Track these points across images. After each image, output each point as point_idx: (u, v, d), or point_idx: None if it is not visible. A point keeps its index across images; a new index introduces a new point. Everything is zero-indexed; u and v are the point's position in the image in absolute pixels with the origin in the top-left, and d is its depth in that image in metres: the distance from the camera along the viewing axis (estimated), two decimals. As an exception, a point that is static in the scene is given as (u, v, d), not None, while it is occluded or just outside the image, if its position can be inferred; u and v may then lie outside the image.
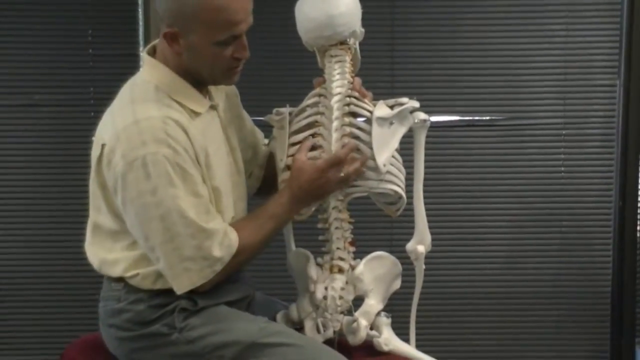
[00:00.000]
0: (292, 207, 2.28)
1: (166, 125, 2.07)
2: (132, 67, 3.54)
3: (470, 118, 3.87)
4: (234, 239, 2.16)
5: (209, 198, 2.16)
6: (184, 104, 2.17)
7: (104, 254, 2.24)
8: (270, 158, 2.48)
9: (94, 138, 2.19)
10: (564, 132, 3.87)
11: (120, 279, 2.22)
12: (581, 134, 3.87)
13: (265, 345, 2.16)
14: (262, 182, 2.53)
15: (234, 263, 2.17)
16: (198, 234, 2.09)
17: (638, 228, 3.89)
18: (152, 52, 2.25)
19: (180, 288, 2.14)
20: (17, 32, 3.83)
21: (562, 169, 3.89)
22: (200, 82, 2.22)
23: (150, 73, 2.21)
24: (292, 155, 2.32)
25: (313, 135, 2.32)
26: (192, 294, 2.18)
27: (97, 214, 2.23)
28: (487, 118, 3.87)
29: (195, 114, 2.19)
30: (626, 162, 3.84)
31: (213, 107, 2.27)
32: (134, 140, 2.05)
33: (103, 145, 2.12)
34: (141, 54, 2.26)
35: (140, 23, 3.78)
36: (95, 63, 3.83)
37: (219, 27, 2.09)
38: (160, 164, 2.04)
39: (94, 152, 2.17)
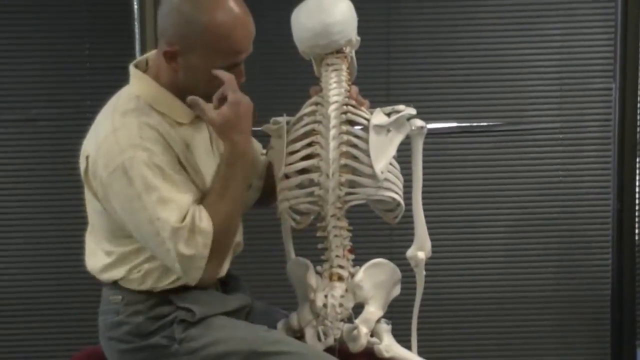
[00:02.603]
0: (238, 158, 2.17)
1: (141, 130, 2.09)
2: (128, 80, 3.54)
3: (468, 124, 3.88)
4: (206, 222, 2.11)
5: (186, 185, 2.15)
6: (166, 113, 2.18)
7: (102, 258, 2.25)
8: (269, 168, 2.48)
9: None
10: (561, 136, 3.88)
11: (120, 287, 2.23)
12: (578, 138, 3.89)
13: (266, 354, 2.15)
14: (262, 192, 2.54)
15: (219, 241, 2.14)
16: (181, 231, 2.07)
17: (636, 231, 3.90)
18: (144, 65, 2.26)
19: (189, 282, 2.16)
20: (14, 47, 3.84)
21: (560, 173, 3.90)
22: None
23: (134, 85, 2.23)
24: (291, 164, 2.33)
25: (311, 144, 2.33)
26: (191, 304, 2.18)
27: (95, 220, 2.25)
28: (485, 124, 3.88)
29: (178, 124, 2.20)
30: (623, 165, 3.85)
31: (200, 118, 2.26)
32: (113, 149, 2.08)
33: (87, 157, 2.15)
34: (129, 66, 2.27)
35: (137, 36, 3.80)
36: (92, 77, 3.85)
37: (221, 54, 2.11)
38: (137, 168, 2.06)
39: (81, 165, 2.20)
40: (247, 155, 2.20)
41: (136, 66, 2.27)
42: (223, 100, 2.13)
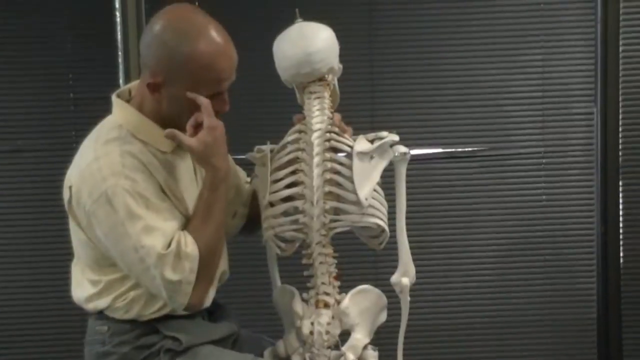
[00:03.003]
0: (218, 182, 2.18)
1: (123, 159, 2.10)
2: (111, 110, 3.55)
3: (451, 150, 3.90)
4: (192, 247, 2.11)
5: (171, 212, 2.15)
6: (148, 142, 2.19)
7: (88, 288, 2.25)
8: (254, 196, 2.48)
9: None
10: (544, 160, 3.90)
11: (106, 317, 2.23)
12: (561, 162, 3.91)
13: None
14: (247, 219, 2.54)
15: (205, 265, 2.14)
16: (158, 262, 2.07)
17: (621, 254, 3.92)
18: (127, 95, 2.27)
19: (176, 308, 2.15)
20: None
21: (544, 197, 3.92)
22: (173, 127, 2.21)
23: (117, 114, 2.23)
24: (275, 192, 2.34)
25: (295, 172, 2.33)
26: (177, 333, 2.18)
27: (78, 251, 2.25)
28: (468, 149, 3.90)
29: (161, 152, 2.20)
30: (607, 188, 3.87)
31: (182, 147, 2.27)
32: (96, 177, 2.08)
33: (70, 187, 2.15)
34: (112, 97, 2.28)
35: (121, 66, 3.81)
36: (77, 107, 3.85)
37: (204, 83, 2.12)
38: (120, 196, 2.06)
39: (65, 195, 2.19)
40: (228, 178, 2.23)
41: (119, 96, 2.27)
42: (199, 126, 2.14)
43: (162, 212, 2.12)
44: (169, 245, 2.09)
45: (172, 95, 2.13)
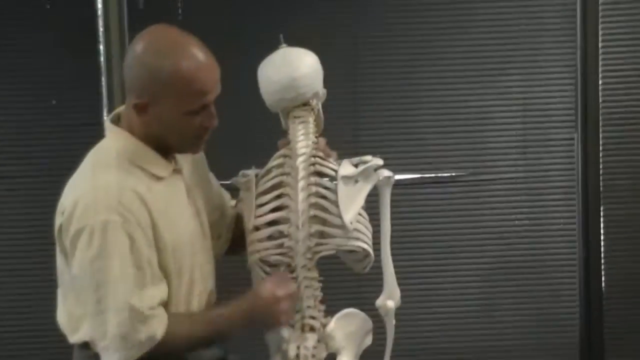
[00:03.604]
0: (233, 323, 2.25)
1: (120, 193, 2.08)
2: (96, 135, 3.52)
3: (433, 175, 3.92)
4: (160, 327, 2.11)
5: (154, 273, 2.14)
6: (146, 168, 2.18)
7: (72, 319, 2.22)
8: (238, 219, 2.49)
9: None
10: (525, 185, 3.92)
11: (89, 347, 2.21)
12: (543, 187, 3.93)
13: None
14: (231, 242, 2.55)
15: (154, 349, 2.12)
16: (124, 311, 2.06)
17: (603, 278, 3.94)
18: (117, 120, 2.26)
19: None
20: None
21: (526, 222, 3.94)
22: (165, 148, 2.24)
23: (112, 140, 2.22)
24: (260, 216, 2.34)
25: (280, 196, 2.34)
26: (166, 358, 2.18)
27: (63, 281, 2.22)
28: (449, 174, 3.92)
29: (157, 178, 2.19)
30: (588, 213, 3.90)
31: (177, 171, 2.27)
32: (89, 207, 2.06)
33: (62, 213, 2.12)
34: (104, 121, 2.27)
35: (104, 92, 3.81)
36: (59, 133, 3.84)
37: (189, 97, 2.11)
38: (108, 232, 2.04)
39: (56, 221, 2.16)
40: (233, 329, 2.26)
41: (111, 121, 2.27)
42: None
43: (141, 257, 2.09)
44: (142, 303, 2.08)
45: (160, 114, 2.12)
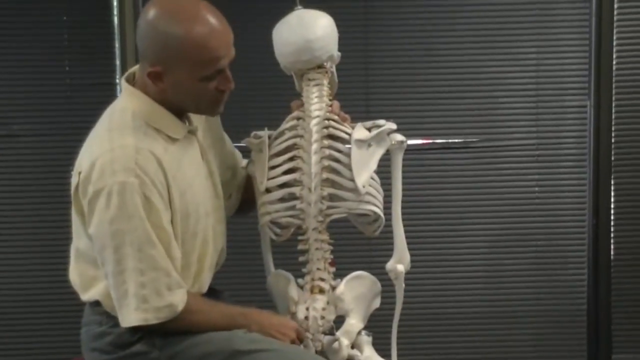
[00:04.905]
0: (239, 320, 2.26)
1: (138, 155, 2.09)
2: (109, 95, 3.55)
3: (445, 140, 3.91)
4: (182, 299, 2.15)
5: (174, 234, 2.16)
6: (162, 130, 2.18)
7: (85, 278, 2.25)
8: (249, 180, 2.50)
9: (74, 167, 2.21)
10: (537, 152, 3.92)
11: (99, 303, 2.23)
12: (554, 155, 3.93)
13: (247, 352, 2.16)
14: (241, 203, 2.56)
15: (170, 323, 2.16)
16: (149, 270, 2.09)
17: (612, 246, 3.94)
18: (132, 79, 2.26)
19: (123, 322, 2.15)
20: (-6, 63, 3.85)
21: (536, 189, 3.94)
22: (181, 110, 2.24)
23: (128, 100, 2.22)
24: (272, 178, 2.35)
25: (292, 158, 2.35)
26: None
27: (78, 241, 2.24)
28: (462, 140, 3.91)
29: (172, 139, 2.20)
30: (599, 181, 3.89)
31: (192, 132, 2.28)
32: (106, 168, 2.07)
33: (80, 173, 2.13)
34: (120, 81, 2.27)
35: (117, 52, 3.81)
36: (72, 93, 3.85)
37: (203, 64, 2.11)
38: (126, 194, 2.05)
39: (73, 181, 2.18)
40: (235, 324, 2.26)
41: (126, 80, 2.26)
42: None
43: (161, 219, 2.11)
44: (168, 272, 2.12)
45: (175, 81, 2.13)
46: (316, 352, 2.33)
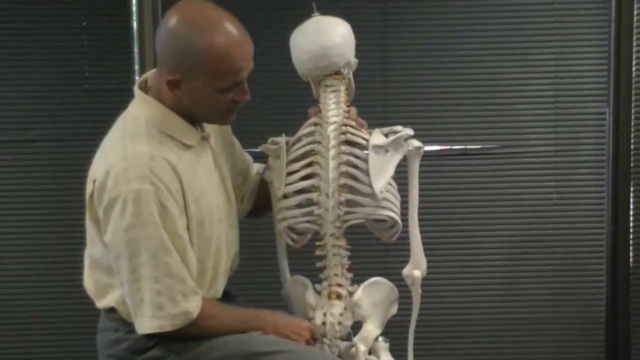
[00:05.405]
0: (254, 322, 2.27)
1: (152, 162, 2.09)
2: (128, 101, 3.54)
3: (463, 147, 3.91)
4: (197, 306, 2.16)
5: (190, 241, 2.17)
6: (175, 137, 2.19)
7: (100, 285, 2.26)
8: (262, 184, 2.51)
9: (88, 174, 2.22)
10: (555, 159, 3.90)
11: (114, 310, 2.24)
12: (572, 162, 3.91)
13: (263, 354, 2.17)
14: (253, 207, 2.57)
15: (185, 330, 2.17)
16: (164, 278, 2.10)
17: (631, 253, 3.92)
18: (144, 86, 2.26)
19: (139, 330, 2.16)
20: (13, 68, 3.85)
21: (555, 196, 3.92)
22: (194, 118, 2.24)
23: (141, 108, 2.22)
24: (290, 184, 2.36)
25: (310, 164, 2.35)
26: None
27: (93, 248, 2.25)
28: (480, 147, 3.91)
29: (186, 146, 2.21)
30: (617, 188, 3.87)
31: (204, 138, 2.29)
32: (121, 176, 2.08)
33: (94, 181, 2.14)
34: (133, 88, 2.27)
35: (136, 58, 3.82)
36: (91, 98, 3.86)
37: (222, 75, 2.12)
38: (141, 201, 2.06)
39: (88, 189, 2.19)
40: (249, 327, 2.26)
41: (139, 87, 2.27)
42: None
43: (176, 226, 2.12)
44: (184, 280, 2.13)
45: (192, 90, 2.13)
46: (333, 357, 2.33)
